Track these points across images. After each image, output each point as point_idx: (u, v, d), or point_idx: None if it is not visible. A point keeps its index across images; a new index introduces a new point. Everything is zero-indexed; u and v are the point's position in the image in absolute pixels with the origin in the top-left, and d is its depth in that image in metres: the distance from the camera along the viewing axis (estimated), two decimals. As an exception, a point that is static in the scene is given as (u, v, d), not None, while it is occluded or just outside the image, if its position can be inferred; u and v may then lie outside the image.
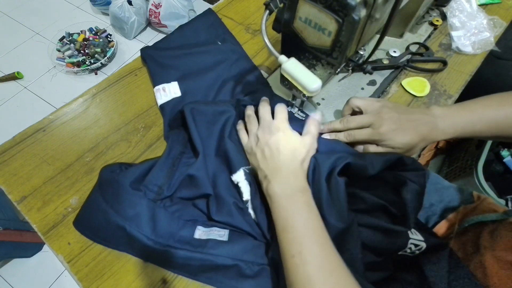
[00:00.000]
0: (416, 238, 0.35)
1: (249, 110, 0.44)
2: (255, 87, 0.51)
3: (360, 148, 0.42)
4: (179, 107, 0.47)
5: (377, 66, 0.51)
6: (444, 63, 0.53)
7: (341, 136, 0.42)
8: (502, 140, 0.41)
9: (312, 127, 0.40)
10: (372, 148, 0.40)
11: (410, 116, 0.39)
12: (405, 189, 0.34)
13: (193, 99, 0.49)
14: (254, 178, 0.39)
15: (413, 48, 0.55)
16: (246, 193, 0.38)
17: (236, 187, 0.39)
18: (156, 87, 0.50)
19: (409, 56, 0.53)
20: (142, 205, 0.38)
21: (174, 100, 0.49)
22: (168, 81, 0.51)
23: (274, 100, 0.46)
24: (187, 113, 0.43)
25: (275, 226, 0.34)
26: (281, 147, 0.37)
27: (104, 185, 0.41)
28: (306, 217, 0.33)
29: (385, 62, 0.52)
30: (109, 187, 0.40)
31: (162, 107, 0.49)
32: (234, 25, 0.61)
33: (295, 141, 0.38)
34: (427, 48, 0.55)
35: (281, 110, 0.41)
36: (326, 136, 0.43)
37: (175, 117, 0.47)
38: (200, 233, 0.38)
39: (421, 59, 0.54)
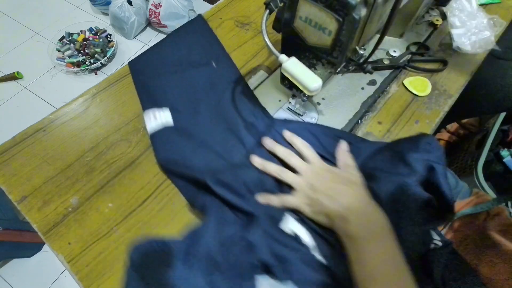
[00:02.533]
0: (436, 238, 0.34)
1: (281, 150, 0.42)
2: (253, 115, 0.48)
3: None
4: (172, 143, 0.44)
5: (378, 66, 0.51)
6: (445, 63, 0.53)
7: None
8: None
9: (349, 159, 0.40)
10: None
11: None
12: (436, 174, 0.32)
13: (189, 136, 0.45)
14: (307, 221, 0.37)
15: (413, 48, 0.55)
16: (307, 238, 0.35)
17: (284, 234, 0.36)
18: (146, 111, 0.47)
19: (409, 56, 0.53)
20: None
21: (165, 130, 0.45)
22: (158, 105, 0.47)
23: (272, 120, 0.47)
24: (215, 187, 0.38)
25: (358, 271, 0.31)
26: (345, 185, 0.36)
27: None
28: (397, 265, 0.31)
29: (386, 62, 0.52)
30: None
31: (152, 136, 0.45)
32: (234, 25, 0.61)
33: (352, 176, 0.37)
34: (427, 48, 0.55)
35: (312, 154, 0.41)
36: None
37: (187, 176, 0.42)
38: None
39: (421, 59, 0.54)
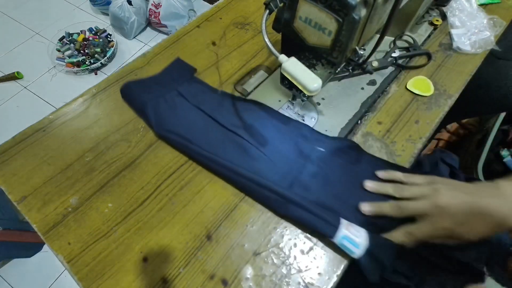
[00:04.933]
0: None
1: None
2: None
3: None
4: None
5: (368, 70, 0.50)
6: (429, 56, 0.53)
7: (387, 207, 0.38)
8: None
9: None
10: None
11: (478, 201, 0.32)
12: None
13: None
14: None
15: (401, 44, 0.55)
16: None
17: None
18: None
19: (396, 54, 0.53)
20: None
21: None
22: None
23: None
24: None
25: None
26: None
27: None
28: None
29: (374, 64, 0.51)
30: None
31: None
32: (234, 25, 0.61)
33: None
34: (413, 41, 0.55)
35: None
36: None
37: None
38: None
39: (407, 55, 0.53)
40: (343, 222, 0.36)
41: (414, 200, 0.36)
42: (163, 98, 0.49)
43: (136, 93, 0.50)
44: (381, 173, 0.41)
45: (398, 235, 0.36)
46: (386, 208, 0.37)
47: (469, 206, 0.32)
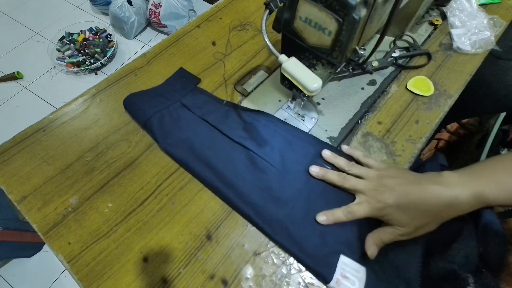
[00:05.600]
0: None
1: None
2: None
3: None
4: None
5: (368, 70, 0.50)
6: (429, 56, 0.53)
7: (334, 176, 0.40)
8: None
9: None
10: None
11: (414, 188, 0.34)
12: None
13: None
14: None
15: (401, 44, 0.55)
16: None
17: None
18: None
19: (397, 54, 0.53)
20: None
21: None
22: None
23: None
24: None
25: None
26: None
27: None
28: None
29: (374, 64, 0.51)
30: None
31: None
32: (234, 25, 0.61)
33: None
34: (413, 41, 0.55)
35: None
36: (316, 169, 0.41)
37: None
38: None
39: (407, 55, 0.53)
40: (335, 276, 0.35)
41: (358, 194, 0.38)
42: (167, 110, 0.48)
43: (139, 105, 0.49)
44: (327, 153, 0.42)
45: (339, 214, 0.38)
46: (332, 176, 0.40)
47: (409, 194, 0.34)
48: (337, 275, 0.35)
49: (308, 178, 0.42)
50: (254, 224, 0.40)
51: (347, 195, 0.40)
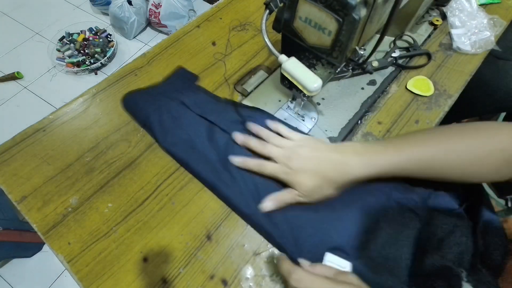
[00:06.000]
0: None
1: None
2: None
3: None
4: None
5: (368, 70, 0.50)
6: (429, 56, 0.53)
7: (254, 142, 0.41)
8: (440, 180, 0.37)
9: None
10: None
11: (316, 154, 0.37)
12: None
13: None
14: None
15: (401, 44, 0.55)
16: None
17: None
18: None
19: (397, 54, 0.53)
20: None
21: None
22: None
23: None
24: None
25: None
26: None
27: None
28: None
29: (374, 64, 0.51)
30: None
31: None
32: (234, 25, 0.61)
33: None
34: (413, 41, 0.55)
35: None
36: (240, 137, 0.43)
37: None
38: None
39: (407, 55, 0.53)
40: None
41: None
42: (166, 109, 0.48)
43: (138, 104, 0.49)
44: (251, 126, 0.44)
45: (251, 162, 0.40)
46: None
47: (310, 159, 0.37)
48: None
49: None
50: (253, 224, 0.40)
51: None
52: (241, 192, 0.40)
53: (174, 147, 0.45)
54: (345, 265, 0.35)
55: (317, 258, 0.36)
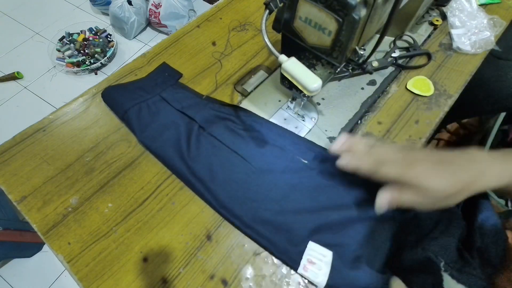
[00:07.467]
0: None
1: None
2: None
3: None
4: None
5: (368, 70, 0.50)
6: (429, 56, 0.53)
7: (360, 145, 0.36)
8: None
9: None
10: (387, 196, 0.33)
11: (449, 158, 0.32)
12: None
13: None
14: None
15: (401, 44, 0.55)
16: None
17: None
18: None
19: (396, 54, 0.53)
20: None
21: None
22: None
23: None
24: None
25: None
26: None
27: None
28: None
29: (374, 64, 0.51)
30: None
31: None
32: (234, 25, 0.61)
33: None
34: (413, 41, 0.55)
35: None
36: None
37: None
38: None
39: (407, 55, 0.53)
40: (302, 263, 0.36)
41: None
42: (146, 104, 0.48)
43: (117, 98, 0.49)
44: (343, 139, 0.38)
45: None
46: (364, 162, 0.35)
47: (441, 158, 0.32)
48: (303, 261, 0.36)
49: (279, 174, 0.43)
50: (225, 217, 0.41)
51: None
52: (213, 188, 0.41)
53: (150, 141, 0.45)
54: (326, 254, 0.36)
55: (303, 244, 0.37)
